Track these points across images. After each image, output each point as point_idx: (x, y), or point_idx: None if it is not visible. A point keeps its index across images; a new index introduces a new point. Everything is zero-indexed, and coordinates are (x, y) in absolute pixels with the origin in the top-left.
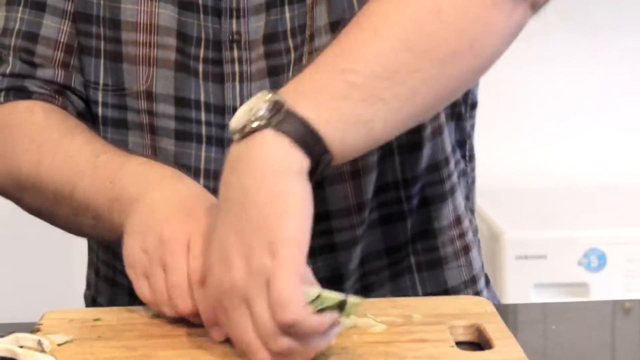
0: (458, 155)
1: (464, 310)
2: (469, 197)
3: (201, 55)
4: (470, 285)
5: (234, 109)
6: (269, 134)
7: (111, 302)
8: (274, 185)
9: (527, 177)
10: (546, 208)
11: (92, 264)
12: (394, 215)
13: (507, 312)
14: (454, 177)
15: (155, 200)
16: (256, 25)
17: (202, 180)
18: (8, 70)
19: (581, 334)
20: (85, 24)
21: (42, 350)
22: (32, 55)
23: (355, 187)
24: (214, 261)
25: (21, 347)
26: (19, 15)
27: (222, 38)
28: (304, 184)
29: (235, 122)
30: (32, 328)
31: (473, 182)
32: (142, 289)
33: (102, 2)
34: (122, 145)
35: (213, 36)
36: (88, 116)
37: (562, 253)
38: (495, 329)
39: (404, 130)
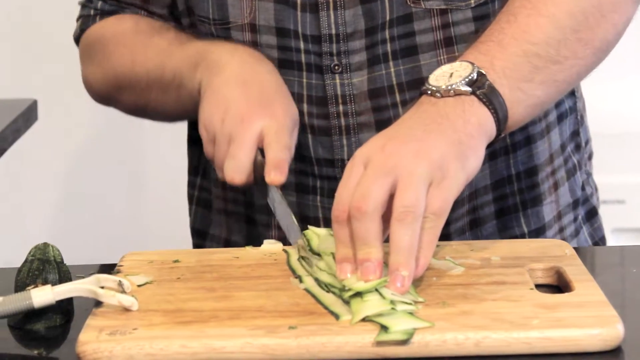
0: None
1: (543, 252)
2: (578, 132)
3: None
4: (556, 220)
5: (329, 37)
6: (474, 100)
7: (229, 232)
8: (476, 131)
9: (605, 121)
10: (624, 152)
11: (198, 201)
12: (499, 150)
13: (586, 255)
14: (551, 116)
15: (240, 74)
16: None
17: (305, 105)
18: (99, 6)
19: None
20: None
21: (123, 291)
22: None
23: None
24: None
25: (102, 287)
26: None
27: None
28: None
29: (435, 80)
30: (112, 269)
31: (582, 117)
32: (208, 149)
33: None
34: None
35: None
36: None
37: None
38: (575, 271)
39: None
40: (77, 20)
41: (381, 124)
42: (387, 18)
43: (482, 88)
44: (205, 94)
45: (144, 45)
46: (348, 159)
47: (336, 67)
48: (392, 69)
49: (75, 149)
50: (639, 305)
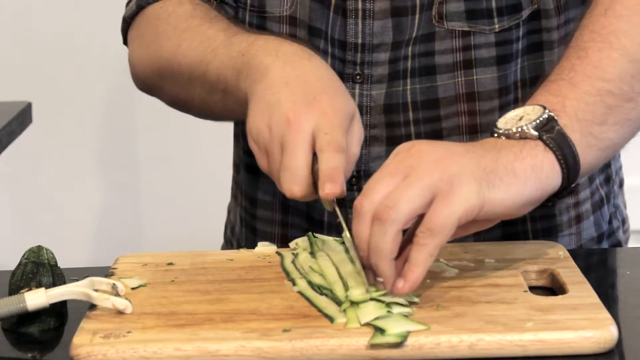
0: None
1: (537, 255)
2: (609, 164)
3: None
4: None
5: (355, 46)
6: (539, 145)
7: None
8: (523, 172)
9: None
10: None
11: (236, 213)
12: None
13: (580, 258)
14: None
15: (283, 76)
16: None
17: None
18: None
19: None
20: None
21: (117, 294)
22: None
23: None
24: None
25: (96, 290)
26: None
27: None
28: (536, 204)
29: (504, 124)
30: (106, 272)
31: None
32: (261, 162)
33: None
34: None
35: None
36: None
37: (637, 199)
38: (569, 273)
39: None
40: None
41: (392, 140)
42: (414, 35)
43: (550, 132)
44: (250, 104)
45: (193, 32)
46: (357, 171)
47: (358, 77)
48: (409, 87)
49: (69, 151)
50: (633, 308)
